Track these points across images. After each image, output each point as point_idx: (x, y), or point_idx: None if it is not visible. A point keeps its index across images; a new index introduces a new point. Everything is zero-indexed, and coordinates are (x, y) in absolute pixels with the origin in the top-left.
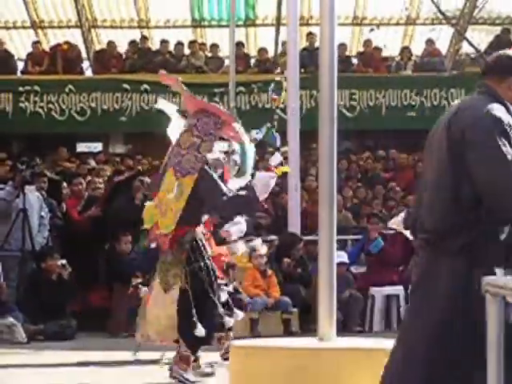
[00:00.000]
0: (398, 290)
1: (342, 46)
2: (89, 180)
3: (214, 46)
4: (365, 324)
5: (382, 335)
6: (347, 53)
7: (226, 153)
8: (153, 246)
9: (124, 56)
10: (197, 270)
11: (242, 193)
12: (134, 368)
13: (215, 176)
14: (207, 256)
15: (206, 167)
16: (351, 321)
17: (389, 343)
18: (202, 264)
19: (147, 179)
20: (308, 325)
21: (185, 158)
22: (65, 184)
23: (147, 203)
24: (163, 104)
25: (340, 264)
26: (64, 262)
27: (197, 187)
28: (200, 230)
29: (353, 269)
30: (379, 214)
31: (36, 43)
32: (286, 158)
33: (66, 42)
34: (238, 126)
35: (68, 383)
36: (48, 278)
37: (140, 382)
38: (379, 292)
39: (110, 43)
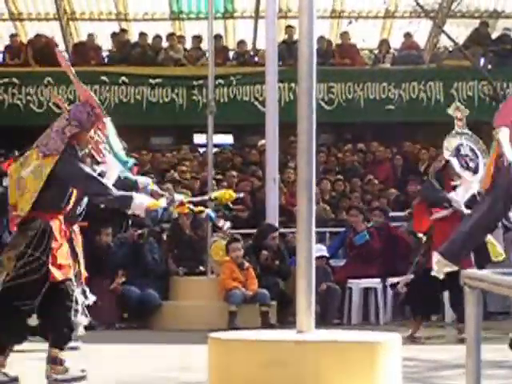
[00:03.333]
0: (376, 282)
1: (321, 39)
2: None
3: (196, 38)
4: (343, 316)
5: (360, 327)
6: (325, 46)
7: None
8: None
9: (103, 48)
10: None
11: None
12: (115, 359)
13: (78, 161)
14: (47, 252)
15: (70, 150)
16: (329, 313)
17: (367, 336)
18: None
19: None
20: (286, 317)
21: (52, 140)
22: None
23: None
24: None
25: (319, 257)
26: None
27: (57, 169)
28: (55, 223)
29: (331, 262)
30: (358, 207)
31: (14, 36)
32: (263, 151)
33: (42, 35)
34: (108, 122)
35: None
36: None
37: (132, 371)
38: (357, 285)
39: (90, 35)
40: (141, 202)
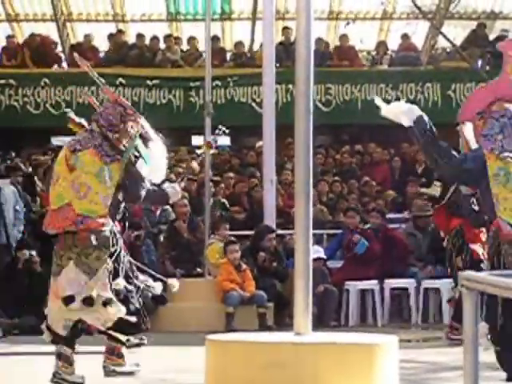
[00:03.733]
0: (373, 284)
1: (319, 41)
2: None
3: (192, 39)
4: (340, 318)
5: (358, 329)
6: (323, 47)
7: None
8: (52, 232)
9: (100, 50)
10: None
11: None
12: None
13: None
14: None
15: (131, 156)
16: (327, 315)
17: (364, 338)
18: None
19: None
20: (283, 319)
21: (104, 144)
22: (36, 178)
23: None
24: None
25: (317, 259)
26: (33, 253)
27: (123, 176)
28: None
29: (329, 263)
30: (356, 208)
31: (11, 37)
32: (260, 153)
33: (37, 35)
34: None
35: (43, 376)
36: (21, 271)
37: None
38: (354, 286)
39: (86, 36)
40: (172, 188)
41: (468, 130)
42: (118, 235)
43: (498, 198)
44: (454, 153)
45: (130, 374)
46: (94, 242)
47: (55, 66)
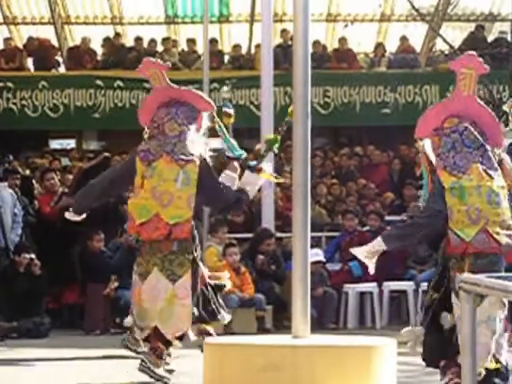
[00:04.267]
0: (372, 287)
1: (316, 43)
2: (61, 177)
3: (191, 41)
4: (339, 321)
5: (357, 332)
6: (321, 49)
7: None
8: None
9: (98, 53)
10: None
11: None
12: (110, 364)
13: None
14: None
15: (206, 156)
16: (325, 318)
17: (362, 340)
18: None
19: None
20: (282, 322)
21: (179, 146)
22: (34, 181)
23: (131, 199)
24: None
25: (316, 262)
26: (33, 256)
27: (200, 175)
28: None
29: (327, 266)
30: (354, 211)
31: (8, 40)
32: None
33: (35, 39)
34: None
35: (42, 380)
36: (19, 274)
37: (118, 378)
38: (353, 289)
39: (84, 39)
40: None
41: (427, 146)
42: (197, 240)
43: (453, 209)
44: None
45: (161, 378)
46: (177, 248)
47: (53, 70)
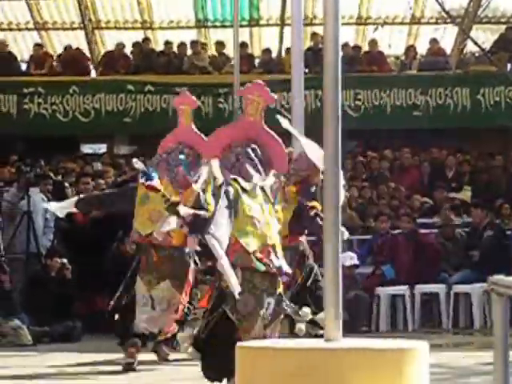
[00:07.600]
0: (404, 289)
1: (347, 46)
2: (93, 181)
3: (220, 44)
4: (371, 324)
5: (389, 335)
6: (352, 52)
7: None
8: None
9: (130, 57)
10: None
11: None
12: (142, 369)
13: None
14: None
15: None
16: (357, 321)
17: (395, 343)
18: None
19: None
20: None
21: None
22: (67, 185)
23: None
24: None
25: (350, 266)
26: (65, 261)
27: None
28: None
29: (359, 269)
30: (386, 213)
31: (39, 45)
32: (290, 160)
33: (71, 49)
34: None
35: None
36: (50, 279)
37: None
38: (385, 292)
39: (118, 45)
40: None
41: (215, 166)
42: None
43: None
44: None
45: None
46: None
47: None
